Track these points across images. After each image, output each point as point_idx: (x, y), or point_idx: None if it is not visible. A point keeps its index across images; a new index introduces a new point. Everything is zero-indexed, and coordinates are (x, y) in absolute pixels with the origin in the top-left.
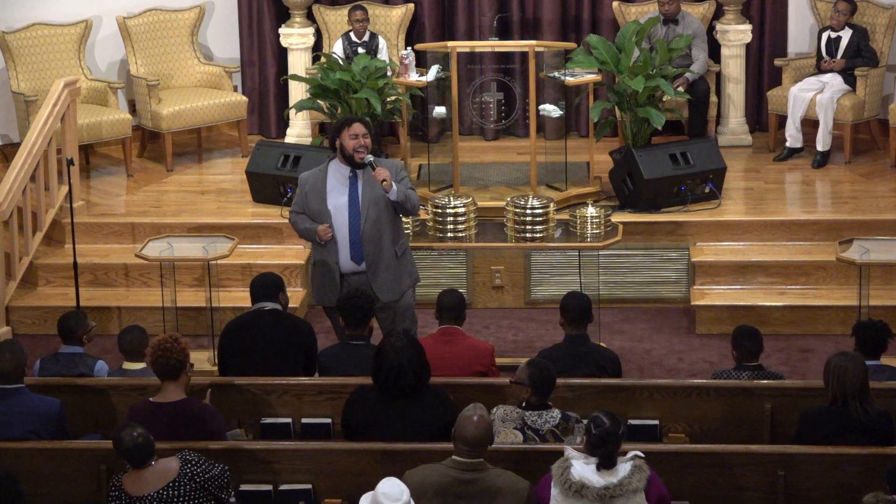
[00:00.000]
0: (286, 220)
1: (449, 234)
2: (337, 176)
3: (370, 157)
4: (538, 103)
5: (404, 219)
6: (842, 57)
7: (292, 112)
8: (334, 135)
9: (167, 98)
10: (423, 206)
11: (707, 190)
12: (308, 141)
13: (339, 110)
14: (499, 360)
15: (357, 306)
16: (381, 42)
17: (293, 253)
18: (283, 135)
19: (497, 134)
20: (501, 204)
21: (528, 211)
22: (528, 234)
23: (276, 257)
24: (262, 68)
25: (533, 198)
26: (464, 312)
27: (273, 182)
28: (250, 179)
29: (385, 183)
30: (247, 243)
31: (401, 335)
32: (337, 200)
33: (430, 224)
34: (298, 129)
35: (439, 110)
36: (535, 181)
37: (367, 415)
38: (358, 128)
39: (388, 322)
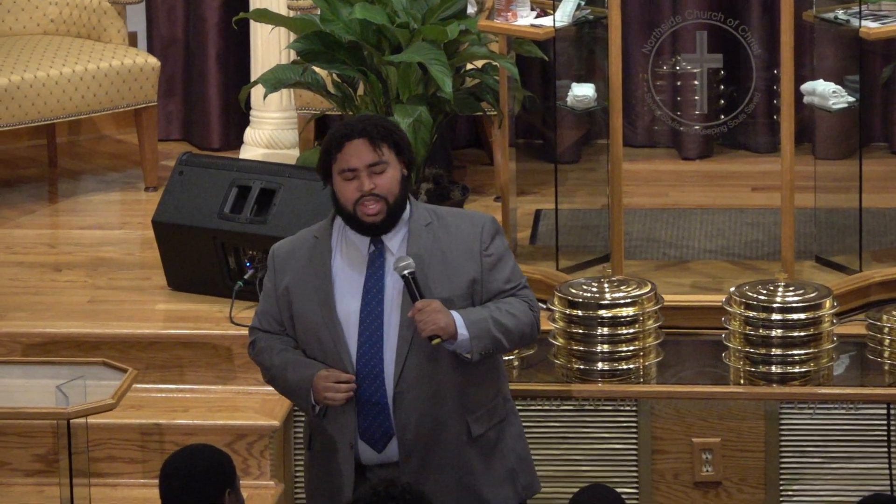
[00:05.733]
0: (244, 333)
1: (598, 366)
2: (348, 250)
3: (408, 265)
4: (800, 81)
5: None
6: None
7: (257, 93)
8: (323, 167)
9: None
10: (544, 304)
11: None
12: (293, 156)
13: (362, 90)
14: None
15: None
16: None
17: (255, 402)
18: (238, 143)
19: (708, 146)
20: (718, 300)
21: (777, 317)
22: (774, 369)
23: (219, 411)
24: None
25: (787, 286)
26: None
27: (212, 245)
28: (163, 239)
29: (437, 340)
30: (154, 380)
31: None
32: (349, 303)
33: (557, 340)
34: (271, 132)
35: (581, 92)
36: (793, 249)
37: None
38: (355, 152)
39: None
